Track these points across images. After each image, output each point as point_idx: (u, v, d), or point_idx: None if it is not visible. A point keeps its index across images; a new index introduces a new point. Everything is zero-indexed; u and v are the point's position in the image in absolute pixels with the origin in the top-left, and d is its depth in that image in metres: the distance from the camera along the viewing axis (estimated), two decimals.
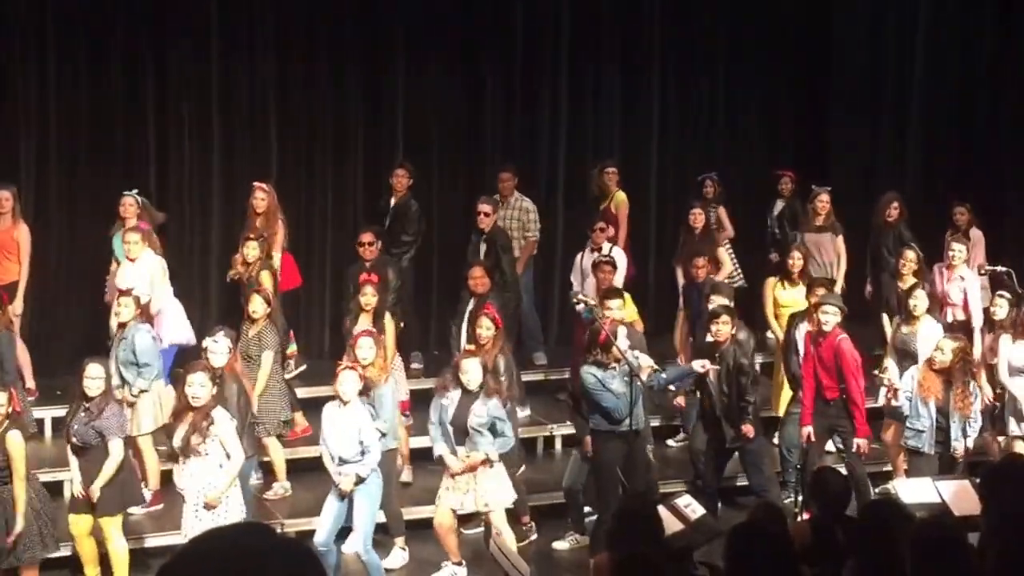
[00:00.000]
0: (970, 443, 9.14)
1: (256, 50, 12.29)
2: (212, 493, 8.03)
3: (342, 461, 8.39)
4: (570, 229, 12.64)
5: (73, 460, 8.48)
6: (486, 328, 9.23)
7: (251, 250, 10.40)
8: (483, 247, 11.20)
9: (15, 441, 8.00)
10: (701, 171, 12.78)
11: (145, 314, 9.68)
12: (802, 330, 9.78)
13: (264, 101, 12.35)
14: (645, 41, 13.56)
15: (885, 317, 10.70)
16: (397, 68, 12.68)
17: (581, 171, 13.20)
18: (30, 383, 10.58)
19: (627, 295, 10.39)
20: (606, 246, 11.26)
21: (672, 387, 10.01)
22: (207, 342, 8.79)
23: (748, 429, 9.28)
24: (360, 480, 8.37)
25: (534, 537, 9.37)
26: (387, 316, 9.82)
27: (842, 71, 14.00)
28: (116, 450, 8.34)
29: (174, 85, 12.02)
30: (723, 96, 13.91)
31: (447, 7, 12.85)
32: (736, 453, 9.56)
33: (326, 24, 12.49)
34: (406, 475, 9.95)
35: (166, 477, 9.35)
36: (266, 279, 10.26)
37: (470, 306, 10.04)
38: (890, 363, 9.95)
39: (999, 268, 10.66)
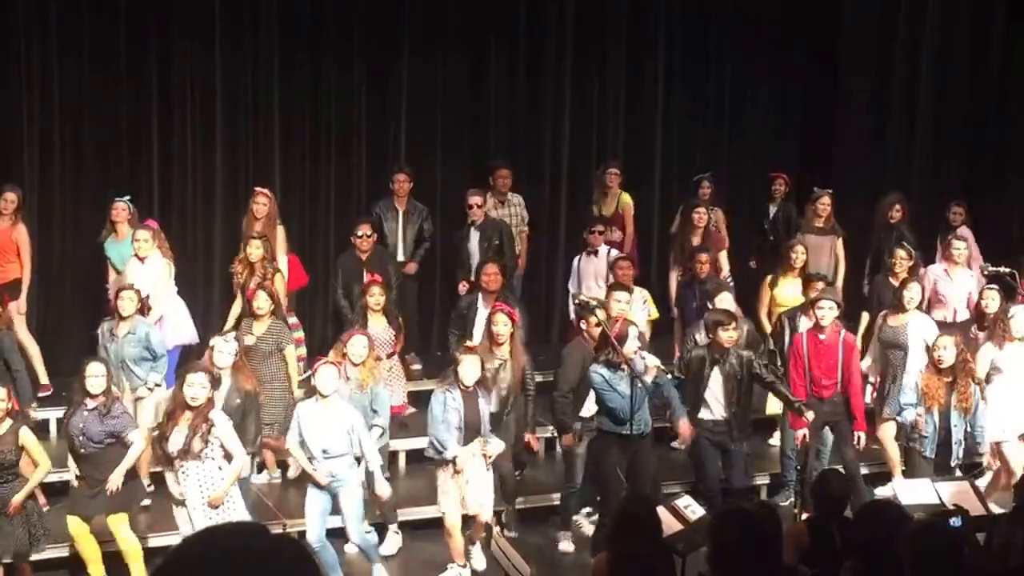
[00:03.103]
0: (986, 447, 9.11)
1: (260, 45, 12.25)
2: (215, 492, 7.97)
3: (326, 454, 8.30)
4: (573, 229, 12.60)
5: (72, 459, 8.38)
6: (503, 324, 9.17)
7: (255, 249, 10.38)
8: (475, 236, 11.18)
9: (27, 435, 8.04)
10: (705, 169, 12.72)
11: (144, 310, 9.65)
12: (803, 325, 9.73)
13: (268, 96, 12.32)
14: (650, 37, 13.55)
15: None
16: (401, 63, 12.65)
17: (585, 169, 13.19)
18: (44, 379, 10.62)
19: (648, 295, 10.50)
20: (603, 249, 11.21)
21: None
22: (215, 340, 8.75)
23: (684, 427, 9.01)
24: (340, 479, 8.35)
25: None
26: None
27: (850, 70, 13.93)
28: (138, 439, 8.31)
29: (177, 82, 12.00)
30: (729, 94, 13.91)
31: (451, 0, 12.82)
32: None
33: (330, 18, 12.45)
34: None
35: (155, 477, 9.32)
36: (279, 282, 10.30)
37: (479, 306, 9.99)
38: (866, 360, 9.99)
39: (1002, 269, 10.58)
